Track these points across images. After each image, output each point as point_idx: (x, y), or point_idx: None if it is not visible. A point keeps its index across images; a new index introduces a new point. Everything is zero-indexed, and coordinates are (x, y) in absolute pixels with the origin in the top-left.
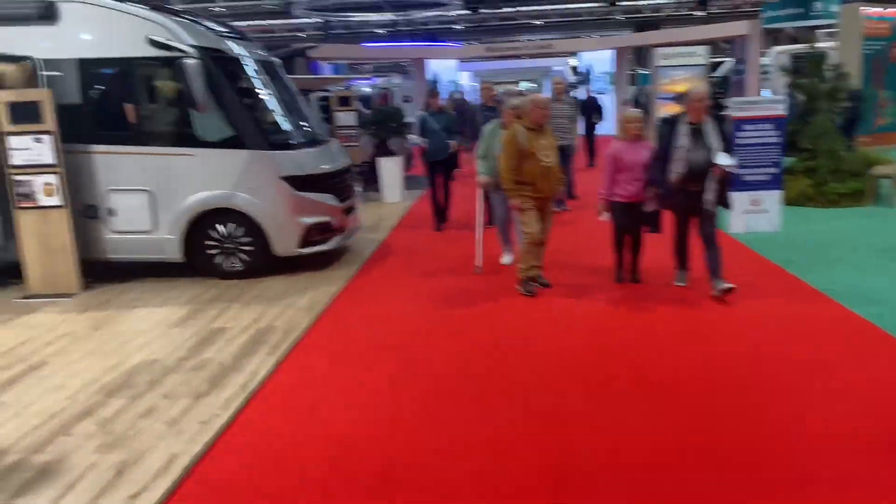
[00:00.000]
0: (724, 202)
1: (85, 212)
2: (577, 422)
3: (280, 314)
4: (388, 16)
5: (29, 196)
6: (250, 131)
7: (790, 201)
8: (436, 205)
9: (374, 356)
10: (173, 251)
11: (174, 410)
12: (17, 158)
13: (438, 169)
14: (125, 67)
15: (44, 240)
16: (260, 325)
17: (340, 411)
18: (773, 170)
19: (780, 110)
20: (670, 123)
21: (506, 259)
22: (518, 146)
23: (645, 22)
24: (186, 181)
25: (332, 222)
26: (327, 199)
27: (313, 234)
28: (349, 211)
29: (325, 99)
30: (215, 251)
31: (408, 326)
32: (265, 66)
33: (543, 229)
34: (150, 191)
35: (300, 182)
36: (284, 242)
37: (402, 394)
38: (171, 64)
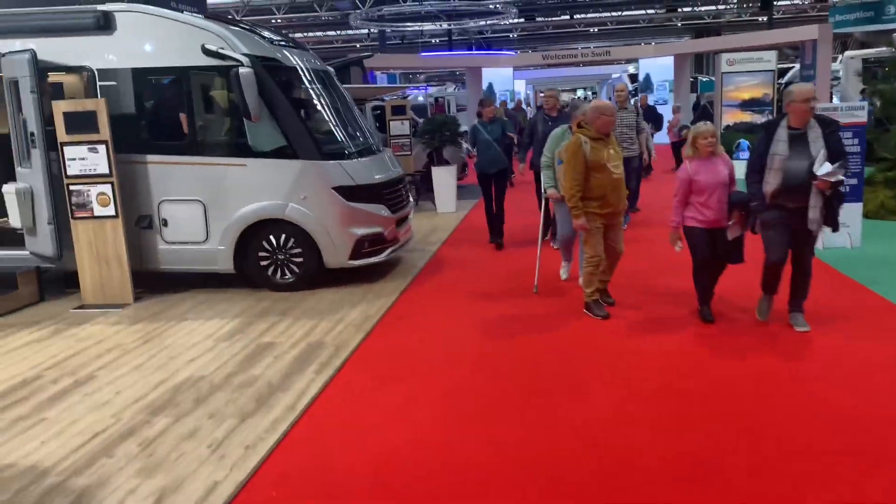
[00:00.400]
0: (831, 222)
1: (138, 222)
2: (646, 477)
3: (330, 329)
4: (443, 25)
5: (84, 206)
6: (302, 141)
7: (869, 214)
8: (490, 218)
9: (425, 377)
10: (225, 262)
11: (219, 432)
12: (72, 168)
13: (491, 181)
14: (179, 77)
15: (98, 250)
16: (310, 341)
17: (389, 436)
18: (852, 181)
19: (860, 117)
20: (769, 128)
21: (563, 273)
22: (583, 158)
23: (704, 28)
24: (238, 191)
25: (384, 234)
26: (380, 209)
27: (365, 246)
28: (402, 222)
29: (379, 108)
30: (267, 262)
31: (460, 345)
32: (319, 76)
33: (614, 246)
34: (203, 201)
35: (352, 192)
36: (336, 254)
37: (453, 420)
38: (224, 73)
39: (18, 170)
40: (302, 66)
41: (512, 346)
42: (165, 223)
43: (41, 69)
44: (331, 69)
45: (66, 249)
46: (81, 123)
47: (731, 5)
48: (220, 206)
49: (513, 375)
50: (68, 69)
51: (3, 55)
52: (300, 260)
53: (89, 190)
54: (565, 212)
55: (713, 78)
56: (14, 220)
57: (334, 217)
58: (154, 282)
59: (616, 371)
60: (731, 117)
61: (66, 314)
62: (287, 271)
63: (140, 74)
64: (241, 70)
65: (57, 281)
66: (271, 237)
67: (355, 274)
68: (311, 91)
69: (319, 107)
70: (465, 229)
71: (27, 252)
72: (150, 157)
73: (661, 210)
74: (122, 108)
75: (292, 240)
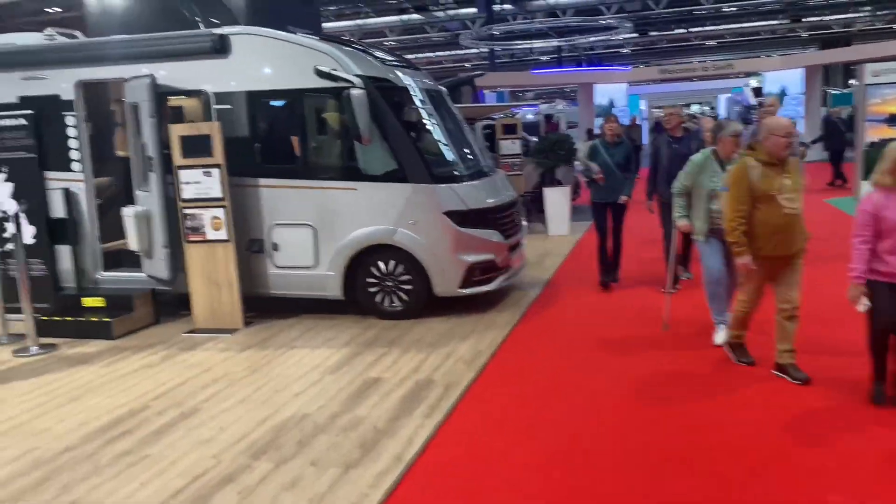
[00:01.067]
0: None
1: (249, 246)
2: None
3: (440, 365)
4: (552, 42)
5: (197, 230)
6: (413, 164)
7: None
8: (603, 256)
9: (542, 423)
10: (334, 288)
11: (320, 484)
12: (187, 192)
13: (608, 211)
14: (291, 99)
15: (209, 274)
16: (418, 378)
17: (503, 491)
18: None
19: None
20: None
21: (719, 336)
22: (747, 185)
23: (832, 38)
24: (348, 216)
25: (496, 261)
26: (492, 235)
27: (476, 274)
28: (514, 248)
29: (489, 127)
30: (375, 289)
31: (579, 388)
32: (432, 96)
33: (785, 297)
34: (313, 226)
35: (464, 217)
36: (446, 282)
37: (573, 472)
38: (336, 95)
39: (137, 193)
40: (414, 85)
41: (638, 390)
42: (276, 247)
43: (160, 93)
44: (443, 89)
45: (180, 273)
46: (196, 147)
47: (864, 13)
48: (330, 230)
49: (653, 438)
50: (186, 93)
51: (127, 80)
52: (409, 287)
53: (203, 214)
54: (712, 250)
55: (845, 90)
56: (132, 242)
57: (445, 243)
58: (264, 306)
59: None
60: (875, 133)
61: (178, 338)
62: (396, 299)
63: (254, 97)
64: (353, 91)
65: (172, 302)
66: (380, 263)
67: (465, 303)
68: (423, 112)
69: (431, 128)
70: (580, 255)
71: (144, 274)
72: (262, 181)
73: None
74: (236, 132)
75: (401, 266)
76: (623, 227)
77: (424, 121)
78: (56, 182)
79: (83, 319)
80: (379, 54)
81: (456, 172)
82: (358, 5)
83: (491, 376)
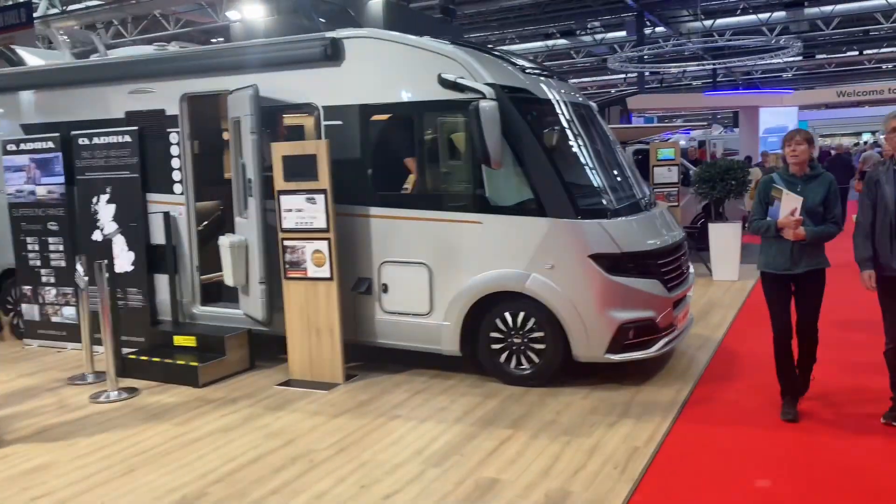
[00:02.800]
0: None
1: (356, 286)
2: None
3: (580, 466)
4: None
5: (297, 265)
6: (554, 194)
7: None
8: (783, 358)
9: None
10: (449, 342)
11: None
12: (288, 221)
13: (789, 287)
14: (410, 114)
15: (309, 317)
16: (549, 487)
17: None
18: None
19: None
20: None
21: None
22: None
23: None
24: (471, 255)
25: (656, 320)
26: (652, 286)
27: (629, 336)
28: (680, 303)
29: (640, 153)
30: (500, 346)
31: None
32: (579, 113)
33: None
34: (429, 265)
35: (616, 263)
36: (589, 343)
37: None
38: (463, 108)
39: (237, 220)
40: (558, 99)
41: None
42: (385, 289)
43: (265, 108)
44: (593, 105)
45: (277, 312)
46: (300, 169)
47: None
48: (449, 271)
49: None
50: (292, 108)
51: (231, 92)
52: (541, 347)
53: (304, 246)
54: None
55: None
56: (227, 276)
57: (590, 294)
58: (372, 354)
59: None
60: None
61: (268, 391)
62: (524, 360)
63: (367, 112)
64: (482, 104)
65: (274, 342)
66: (507, 315)
67: (613, 370)
68: (568, 131)
69: (576, 150)
70: (756, 306)
71: (241, 312)
72: (372, 210)
73: None
74: (345, 152)
75: (533, 320)
76: (818, 313)
77: (569, 141)
78: (156, 205)
79: (170, 362)
80: (518, 62)
81: (606, 205)
82: (504, 31)
83: (653, 491)
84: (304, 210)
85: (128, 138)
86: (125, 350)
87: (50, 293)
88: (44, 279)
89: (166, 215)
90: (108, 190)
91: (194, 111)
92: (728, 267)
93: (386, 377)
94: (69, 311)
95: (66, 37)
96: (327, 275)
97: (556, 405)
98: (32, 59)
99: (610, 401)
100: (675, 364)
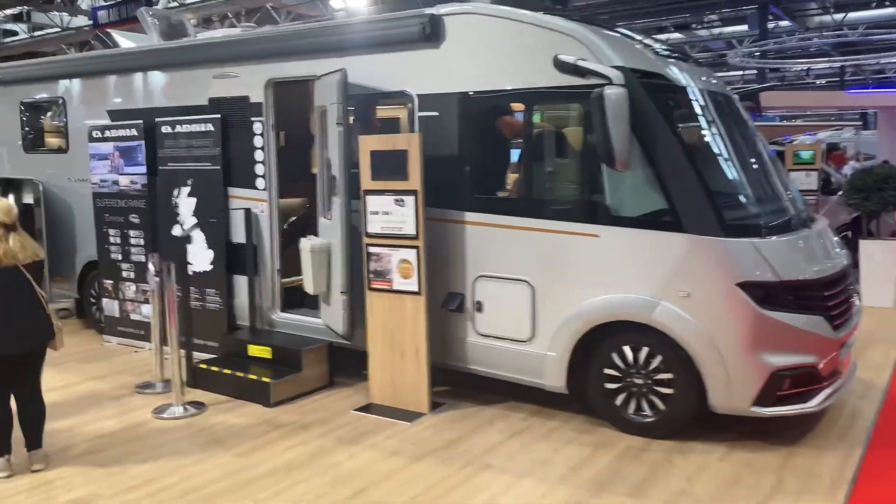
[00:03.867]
0: None
1: (446, 303)
2: None
3: None
4: (835, 63)
5: (382, 275)
6: (694, 204)
7: None
8: None
9: None
10: (554, 376)
11: None
12: (373, 225)
13: None
14: (518, 103)
15: (393, 334)
16: None
17: None
18: None
19: None
20: None
21: None
22: None
23: None
24: (584, 274)
25: (818, 366)
26: (815, 324)
27: (784, 385)
28: (847, 345)
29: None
30: (616, 387)
31: None
32: (722, 105)
33: None
34: (532, 283)
35: (773, 293)
36: (731, 393)
37: None
38: (583, 97)
39: (320, 221)
40: (698, 87)
41: None
42: (479, 307)
43: (352, 96)
44: (734, 95)
45: (360, 326)
46: (389, 166)
47: None
48: (556, 292)
49: None
50: (384, 96)
51: (318, 78)
52: (669, 392)
53: (390, 255)
54: None
55: None
56: (307, 282)
57: (736, 332)
58: (462, 379)
59: None
60: None
61: (345, 417)
62: (646, 405)
63: (467, 102)
64: (608, 91)
65: (354, 354)
66: (626, 349)
67: (759, 424)
68: (711, 126)
69: (721, 150)
70: None
71: (322, 322)
72: (468, 216)
73: None
74: (440, 148)
75: (659, 358)
76: None
77: (712, 139)
78: (238, 200)
79: (241, 376)
80: (648, 41)
81: (760, 220)
82: (615, 23)
83: None
84: (391, 213)
85: (210, 127)
86: (197, 358)
87: (130, 289)
88: (124, 274)
89: (247, 212)
90: (189, 182)
91: (281, 99)
92: (882, 291)
93: (477, 409)
94: (148, 310)
95: (156, 20)
96: (414, 288)
97: (687, 467)
98: (127, 43)
99: (755, 466)
100: (833, 417)
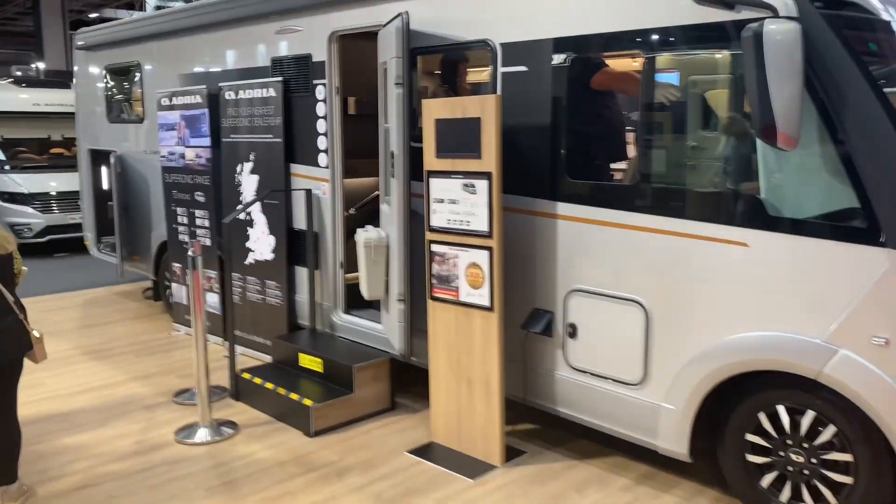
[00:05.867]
0: None
1: (528, 322)
2: None
3: None
4: None
5: (447, 281)
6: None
7: None
8: None
9: None
10: (672, 436)
11: None
12: (437, 216)
13: None
14: (635, 52)
15: (458, 359)
16: None
17: None
18: None
19: None
20: None
21: None
22: None
23: None
24: (722, 299)
25: None
26: None
27: None
28: None
29: None
30: (762, 460)
31: None
32: None
33: None
34: (645, 306)
35: None
36: None
37: None
38: (731, 38)
39: (382, 208)
40: None
41: None
42: (573, 332)
43: (418, 49)
44: None
45: (420, 339)
46: (458, 140)
47: None
48: (680, 321)
49: None
50: (460, 47)
51: (384, 25)
52: (846, 480)
53: (457, 256)
54: None
55: None
56: (363, 284)
57: None
58: (545, 416)
59: None
60: None
61: (395, 460)
62: (809, 494)
63: (566, 50)
64: (770, 26)
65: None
66: (781, 410)
67: None
68: None
69: None
70: None
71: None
72: (561, 208)
73: None
74: (526, 115)
75: (832, 430)
76: None
77: None
78: (300, 179)
79: (283, 393)
80: None
81: None
82: None
83: None
84: (458, 202)
85: (272, 92)
86: (247, 363)
87: None
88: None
89: (308, 193)
90: (251, 157)
91: (351, 58)
92: None
93: (567, 464)
94: (213, 299)
95: None
96: (486, 302)
97: None
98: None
99: None
100: None
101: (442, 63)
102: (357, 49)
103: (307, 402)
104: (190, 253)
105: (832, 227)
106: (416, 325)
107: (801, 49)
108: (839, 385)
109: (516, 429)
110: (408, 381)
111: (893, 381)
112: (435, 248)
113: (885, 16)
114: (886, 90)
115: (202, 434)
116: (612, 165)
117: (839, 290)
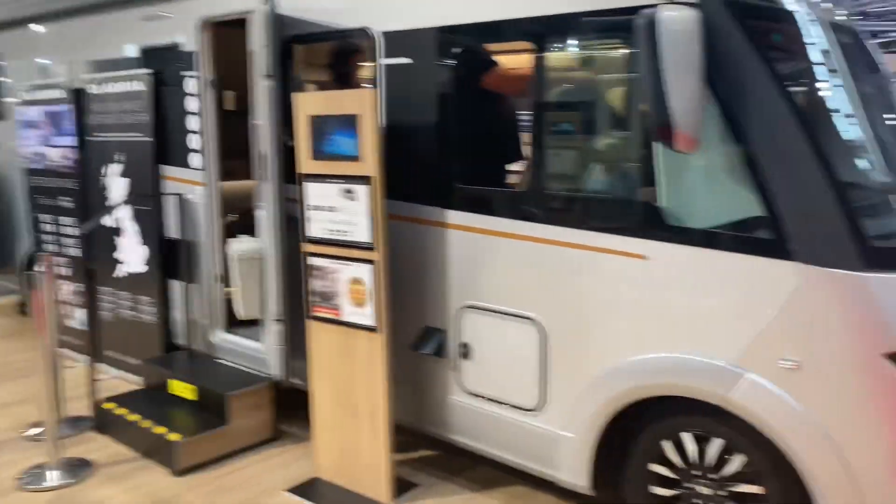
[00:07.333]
0: None
1: (419, 343)
2: None
3: None
4: None
5: (327, 298)
6: (812, 209)
7: None
8: None
9: None
10: (572, 467)
11: None
12: (314, 225)
13: None
14: (527, 42)
15: (341, 387)
16: None
17: None
18: None
19: None
20: None
21: None
22: None
23: None
24: (621, 316)
25: None
26: None
27: None
28: None
29: None
30: (668, 493)
31: None
32: (851, 48)
33: None
34: (541, 323)
35: None
36: None
37: None
38: (623, 27)
39: (257, 216)
40: (811, 15)
41: None
42: (467, 353)
43: (292, 37)
44: (860, 29)
45: (304, 362)
46: (334, 139)
47: None
48: (578, 340)
49: None
50: (338, 36)
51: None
52: None
53: (337, 271)
54: None
55: None
56: (237, 301)
57: (881, 435)
58: (436, 442)
59: None
60: None
61: (275, 501)
62: None
63: (451, 40)
64: (666, 13)
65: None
66: (686, 438)
67: None
68: (838, 81)
69: (854, 120)
70: None
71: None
72: (452, 216)
73: None
74: (410, 112)
75: (741, 459)
76: None
77: (837, 102)
78: (172, 182)
79: (147, 427)
80: None
81: None
82: None
83: None
84: (337, 209)
85: (139, 86)
86: (118, 391)
87: (65, 289)
88: (63, 271)
89: (179, 198)
90: (119, 158)
91: (227, 47)
92: None
93: (463, 498)
94: (82, 315)
95: None
96: (370, 321)
97: None
98: None
99: None
100: None
101: (330, 54)
102: (236, 38)
103: (173, 436)
104: (37, 268)
105: (736, 238)
106: (299, 345)
107: (699, 40)
108: (746, 412)
109: (411, 457)
110: (297, 406)
111: (803, 409)
112: (313, 261)
113: (791, 6)
114: (793, 88)
115: (51, 477)
116: (506, 171)
117: (745, 308)
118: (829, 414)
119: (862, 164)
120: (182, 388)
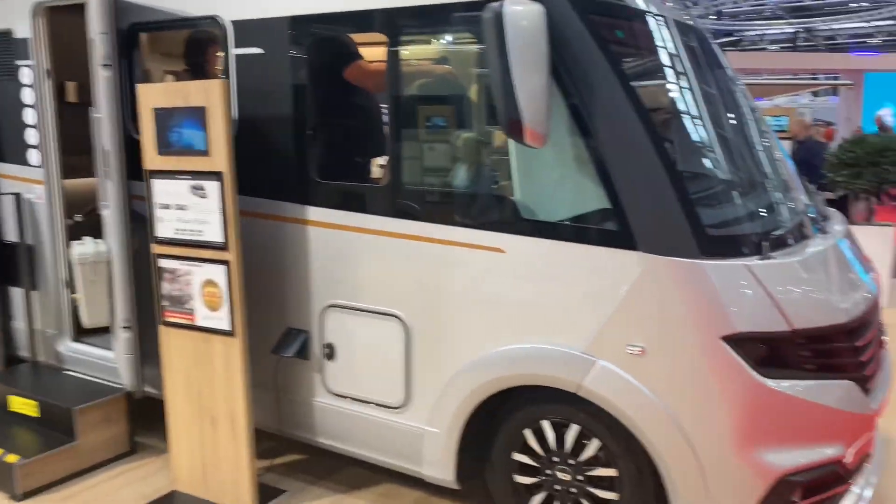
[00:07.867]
0: None
1: (280, 346)
2: None
3: None
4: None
5: (180, 302)
6: (653, 201)
7: None
8: None
9: None
10: (437, 462)
11: None
12: (163, 225)
13: None
14: (378, 34)
15: (198, 393)
16: None
17: None
18: None
19: None
20: None
21: None
22: None
23: None
24: (480, 310)
25: (845, 459)
26: (842, 395)
27: (795, 496)
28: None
29: None
30: (530, 481)
31: None
32: (697, 48)
33: None
34: (405, 320)
35: (780, 350)
36: (711, 501)
37: None
38: (471, 20)
39: (103, 216)
40: (661, 16)
41: None
42: (331, 353)
43: (136, 25)
44: (706, 33)
45: (153, 369)
46: (181, 133)
47: None
48: (440, 336)
49: None
50: (186, 25)
51: None
52: (612, 497)
53: (189, 273)
54: None
55: None
56: (82, 309)
57: (719, 414)
58: (301, 446)
59: None
60: None
61: None
62: None
63: (305, 29)
64: (510, 7)
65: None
66: (546, 427)
67: None
68: (683, 78)
69: (696, 116)
70: None
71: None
72: (312, 213)
73: None
74: (263, 106)
75: (596, 444)
76: None
77: (681, 97)
78: (7, 181)
79: None
80: None
81: (759, 228)
82: None
83: None
84: (187, 208)
85: None
86: None
87: None
88: None
89: (17, 198)
90: None
91: (69, 34)
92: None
93: (331, 500)
94: None
95: None
96: (225, 326)
97: None
98: None
99: None
100: None
101: (185, 43)
102: (79, 25)
103: (10, 458)
104: None
105: (585, 230)
106: (152, 353)
107: (544, 34)
108: (598, 398)
109: (277, 463)
110: (157, 416)
111: (650, 392)
112: (163, 262)
113: (638, 4)
114: (636, 84)
115: None
116: (366, 166)
117: (596, 298)
118: (674, 396)
119: (700, 158)
120: (23, 405)
